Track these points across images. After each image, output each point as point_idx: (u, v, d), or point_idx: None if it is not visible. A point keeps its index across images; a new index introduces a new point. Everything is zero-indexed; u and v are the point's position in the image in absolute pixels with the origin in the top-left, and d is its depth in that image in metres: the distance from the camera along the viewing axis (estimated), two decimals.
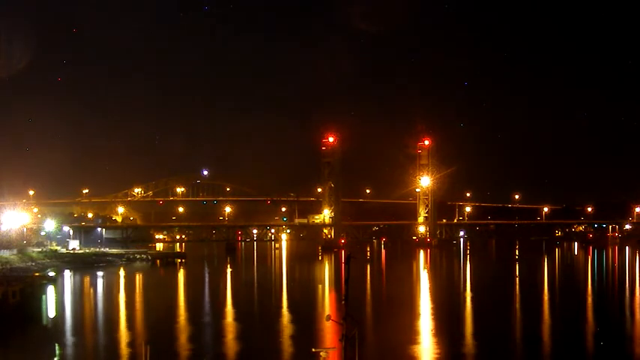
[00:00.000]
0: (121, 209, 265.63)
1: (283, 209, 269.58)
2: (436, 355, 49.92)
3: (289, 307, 79.90)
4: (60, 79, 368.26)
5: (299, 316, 68.99)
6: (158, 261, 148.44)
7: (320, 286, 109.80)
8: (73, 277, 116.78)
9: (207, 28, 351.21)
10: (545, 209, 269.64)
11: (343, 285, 24.62)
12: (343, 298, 23.92)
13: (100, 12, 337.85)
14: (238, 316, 71.86)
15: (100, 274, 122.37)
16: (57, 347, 53.16)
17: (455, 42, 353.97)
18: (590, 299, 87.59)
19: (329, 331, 53.46)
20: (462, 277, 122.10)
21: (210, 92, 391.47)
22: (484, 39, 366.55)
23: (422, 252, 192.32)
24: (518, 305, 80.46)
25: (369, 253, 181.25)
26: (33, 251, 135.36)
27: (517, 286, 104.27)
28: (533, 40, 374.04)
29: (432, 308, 77.76)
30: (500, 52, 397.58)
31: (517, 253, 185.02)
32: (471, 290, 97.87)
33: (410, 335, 56.28)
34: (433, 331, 60.16)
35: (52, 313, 75.07)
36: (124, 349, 51.22)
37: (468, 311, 75.09)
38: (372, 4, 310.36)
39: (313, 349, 26.85)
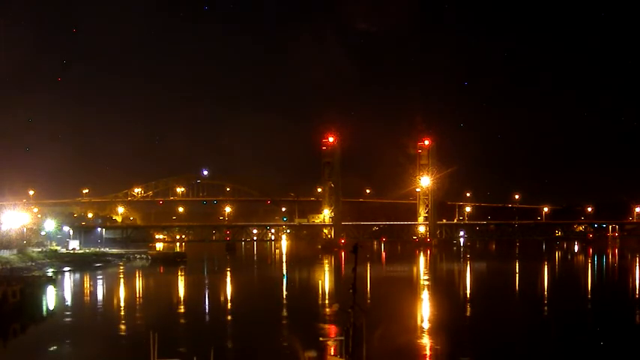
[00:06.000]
0: (121, 209, 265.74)
1: (283, 209, 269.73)
2: (432, 347, 50.00)
3: (293, 301, 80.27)
4: (60, 79, 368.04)
5: (305, 309, 69.48)
6: (158, 261, 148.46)
7: (320, 282, 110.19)
8: (73, 277, 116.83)
9: (207, 28, 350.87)
10: (545, 209, 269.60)
11: (351, 274, 24.46)
12: (351, 287, 23.91)
13: (100, 12, 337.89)
14: (241, 311, 71.97)
15: (99, 273, 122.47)
16: (57, 347, 53.14)
17: (455, 42, 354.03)
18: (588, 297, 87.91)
19: (335, 322, 53.92)
20: (461, 276, 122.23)
21: (210, 92, 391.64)
22: (484, 39, 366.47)
23: (421, 252, 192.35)
24: (512, 299, 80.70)
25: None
26: (33, 251, 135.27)
27: (515, 284, 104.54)
28: (533, 39, 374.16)
29: (431, 306, 77.89)
30: (500, 52, 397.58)
31: (517, 253, 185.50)
32: (471, 290, 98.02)
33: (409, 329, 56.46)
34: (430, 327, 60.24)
35: (52, 312, 75.16)
36: (123, 348, 51.26)
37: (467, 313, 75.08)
38: (372, 4, 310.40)
39: (321, 339, 26.89)
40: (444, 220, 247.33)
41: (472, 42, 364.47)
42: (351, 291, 23.78)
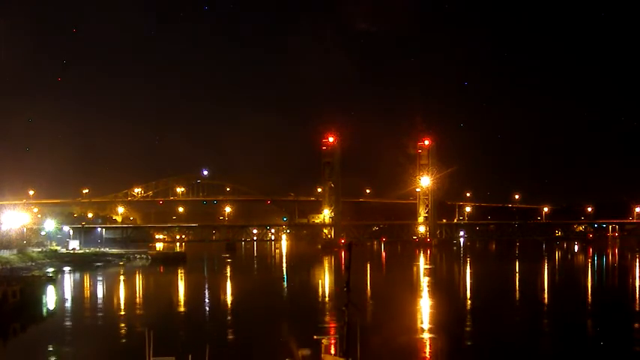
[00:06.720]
0: (121, 209, 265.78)
1: (283, 209, 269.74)
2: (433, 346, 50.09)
3: (291, 300, 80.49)
4: (60, 79, 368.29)
5: (302, 309, 69.67)
6: (158, 260, 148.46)
7: (320, 281, 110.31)
8: (73, 277, 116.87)
9: (207, 28, 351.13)
10: (545, 209, 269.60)
11: (345, 272, 24.51)
12: (345, 285, 23.91)
13: (100, 12, 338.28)
14: (238, 310, 72.06)
15: (99, 273, 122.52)
16: (56, 347, 53.18)
17: (455, 42, 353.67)
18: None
19: (330, 321, 53.98)
20: (461, 276, 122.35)
21: (211, 92, 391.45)
22: (484, 39, 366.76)
23: (421, 252, 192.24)
24: (512, 300, 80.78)
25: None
26: (33, 251, 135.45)
27: (514, 284, 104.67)
28: (533, 40, 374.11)
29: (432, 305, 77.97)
30: (500, 52, 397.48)
31: (517, 253, 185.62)
32: (471, 289, 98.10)
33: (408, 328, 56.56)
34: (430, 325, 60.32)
35: (52, 312, 75.23)
36: (123, 347, 51.32)
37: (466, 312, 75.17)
38: (372, 4, 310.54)
39: (315, 337, 26.92)
40: (444, 220, 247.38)
41: (472, 42, 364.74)
42: (345, 289, 23.78)
